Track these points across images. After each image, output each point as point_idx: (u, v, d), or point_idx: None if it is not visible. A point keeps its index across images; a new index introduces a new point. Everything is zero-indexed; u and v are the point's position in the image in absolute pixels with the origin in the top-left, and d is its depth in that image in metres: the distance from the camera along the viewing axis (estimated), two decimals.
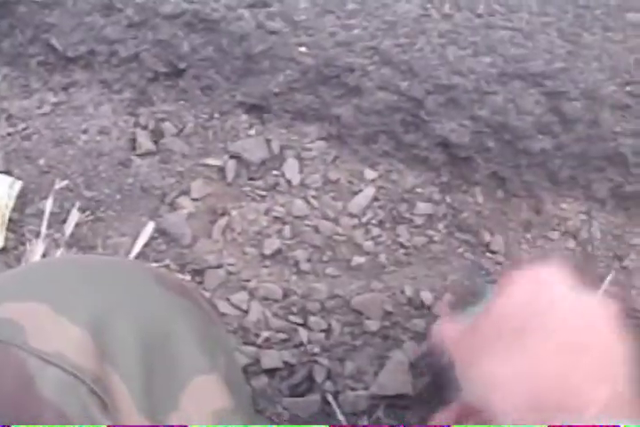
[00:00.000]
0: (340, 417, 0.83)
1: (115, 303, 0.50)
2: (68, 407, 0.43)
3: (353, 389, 0.85)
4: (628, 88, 0.99)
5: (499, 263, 0.96)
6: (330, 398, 0.85)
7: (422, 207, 0.98)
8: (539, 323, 0.54)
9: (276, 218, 0.97)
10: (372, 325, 0.89)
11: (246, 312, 0.90)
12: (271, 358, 0.87)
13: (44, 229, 0.97)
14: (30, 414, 0.43)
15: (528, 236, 0.98)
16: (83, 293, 0.50)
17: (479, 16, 1.06)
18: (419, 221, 0.97)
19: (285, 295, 0.92)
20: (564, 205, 0.99)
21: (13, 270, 0.58)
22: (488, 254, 0.96)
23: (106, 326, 0.48)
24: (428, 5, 1.08)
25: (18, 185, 1.00)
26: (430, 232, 0.97)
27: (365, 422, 0.83)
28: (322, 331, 0.89)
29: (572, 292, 0.56)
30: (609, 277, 0.94)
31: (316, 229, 0.96)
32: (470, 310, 0.82)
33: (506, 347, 0.53)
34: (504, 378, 0.52)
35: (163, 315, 0.53)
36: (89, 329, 0.47)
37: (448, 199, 0.99)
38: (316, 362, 0.87)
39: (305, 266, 0.94)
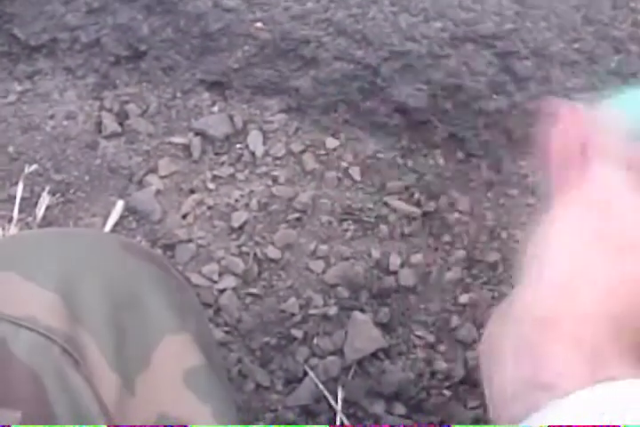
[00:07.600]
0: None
1: (82, 267, 0.52)
2: (40, 367, 0.45)
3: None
4: (575, 45, 1.02)
5: (465, 223, 0.98)
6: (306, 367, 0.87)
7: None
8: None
9: (243, 190, 0.99)
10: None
11: (216, 282, 0.92)
12: None
13: (15, 214, 0.99)
14: (3, 375, 0.44)
15: (490, 194, 1.00)
16: (50, 259, 0.51)
17: None
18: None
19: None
20: (522, 163, 1.01)
21: None
22: (455, 214, 0.99)
23: (74, 288, 0.49)
24: None
25: None
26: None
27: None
28: None
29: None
30: None
31: (282, 199, 0.98)
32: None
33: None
34: None
35: (130, 277, 0.54)
36: (58, 293, 0.48)
37: (410, 163, 1.01)
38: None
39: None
